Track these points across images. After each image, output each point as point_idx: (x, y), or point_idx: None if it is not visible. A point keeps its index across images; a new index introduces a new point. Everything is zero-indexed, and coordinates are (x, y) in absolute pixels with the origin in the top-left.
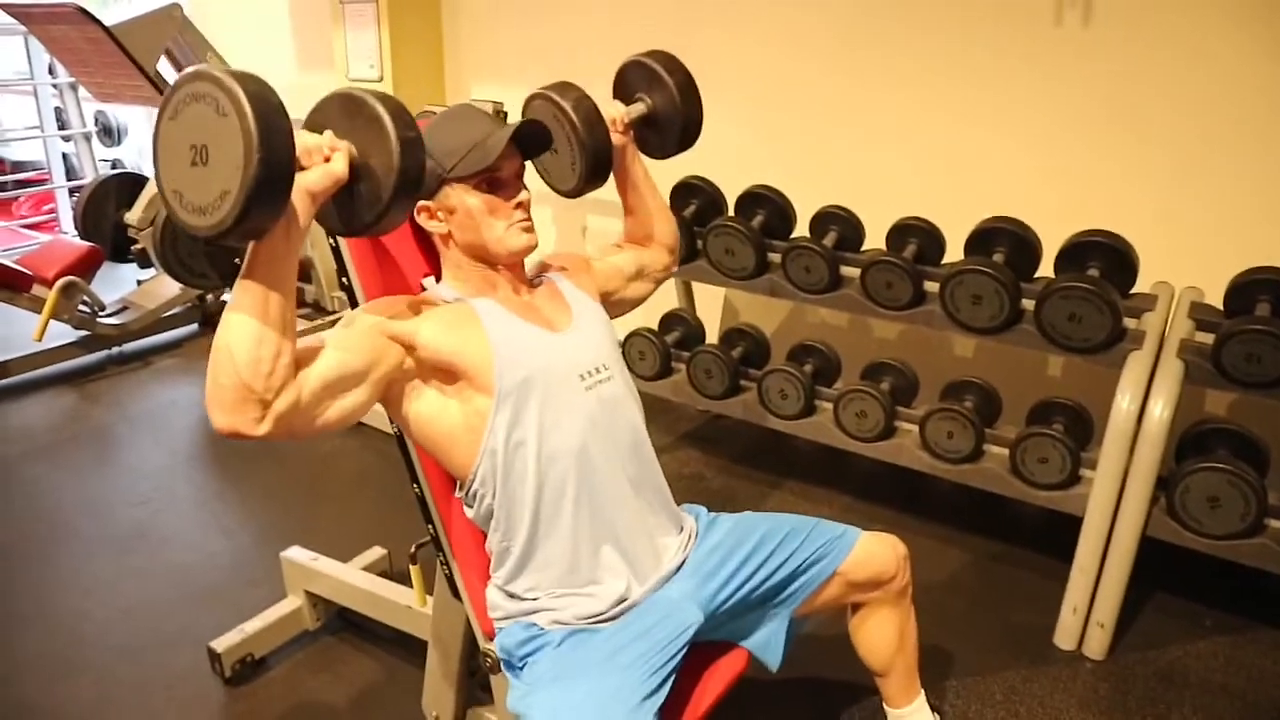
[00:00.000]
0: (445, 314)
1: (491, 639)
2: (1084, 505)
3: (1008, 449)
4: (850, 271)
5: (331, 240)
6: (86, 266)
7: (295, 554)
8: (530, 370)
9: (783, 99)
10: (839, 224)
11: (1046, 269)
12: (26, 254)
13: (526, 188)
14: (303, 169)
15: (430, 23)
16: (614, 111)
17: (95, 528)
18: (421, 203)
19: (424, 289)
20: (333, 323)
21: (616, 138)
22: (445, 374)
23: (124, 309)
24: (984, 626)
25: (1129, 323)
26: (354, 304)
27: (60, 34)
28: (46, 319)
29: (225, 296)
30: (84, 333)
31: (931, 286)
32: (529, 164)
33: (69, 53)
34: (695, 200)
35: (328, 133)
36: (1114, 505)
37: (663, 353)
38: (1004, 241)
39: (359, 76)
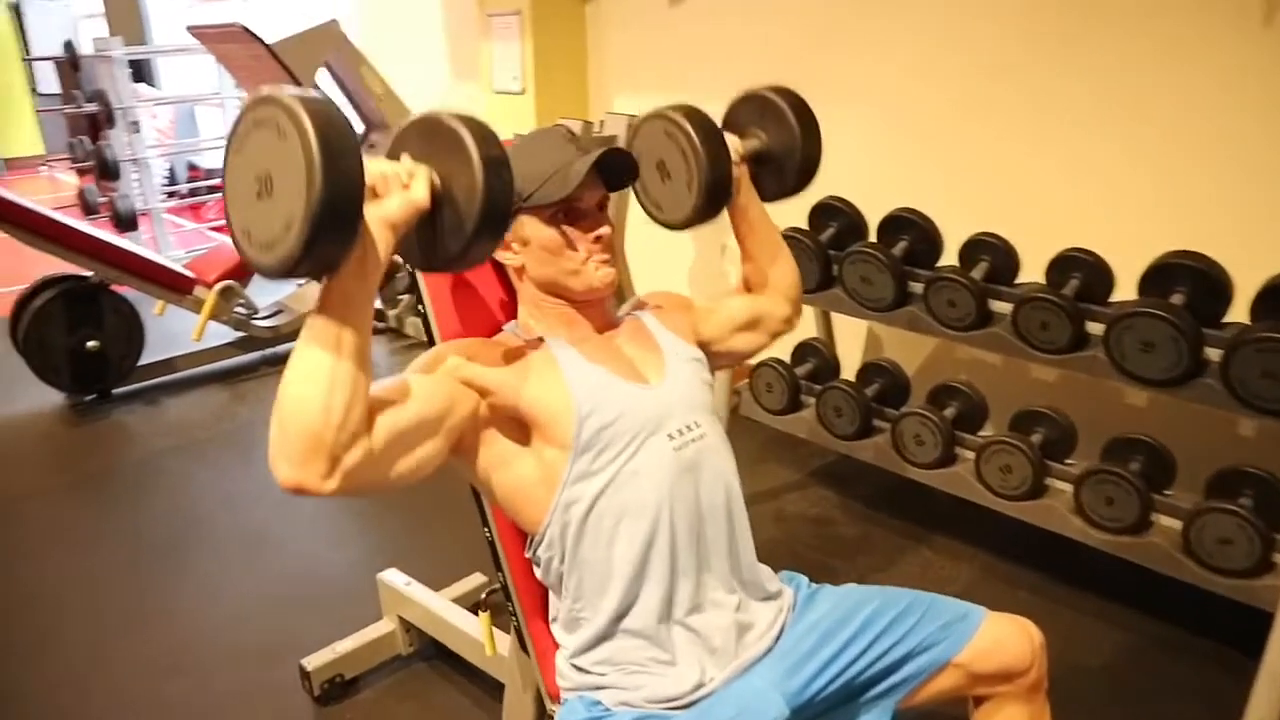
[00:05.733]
0: (521, 359)
1: (557, 700)
2: (1276, 600)
3: (1181, 523)
4: (1001, 307)
5: (408, 266)
6: (245, 271)
7: (390, 577)
8: (609, 422)
9: (934, 114)
10: (991, 253)
11: (1238, 314)
12: (197, 257)
13: (610, 221)
14: (377, 198)
15: (574, 36)
16: (730, 141)
17: (225, 526)
18: None
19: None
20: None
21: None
22: (519, 423)
23: (279, 312)
24: None
25: None
26: (429, 334)
27: (230, 51)
28: (205, 320)
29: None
30: (241, 334)
31: (1096, 328)
32: (636, 199)
33: (239, 68)
34: (834, 223)
35: (404, 157)
36: None
37: (792, 386)
38: (1186, 280)
39: (503, 89)
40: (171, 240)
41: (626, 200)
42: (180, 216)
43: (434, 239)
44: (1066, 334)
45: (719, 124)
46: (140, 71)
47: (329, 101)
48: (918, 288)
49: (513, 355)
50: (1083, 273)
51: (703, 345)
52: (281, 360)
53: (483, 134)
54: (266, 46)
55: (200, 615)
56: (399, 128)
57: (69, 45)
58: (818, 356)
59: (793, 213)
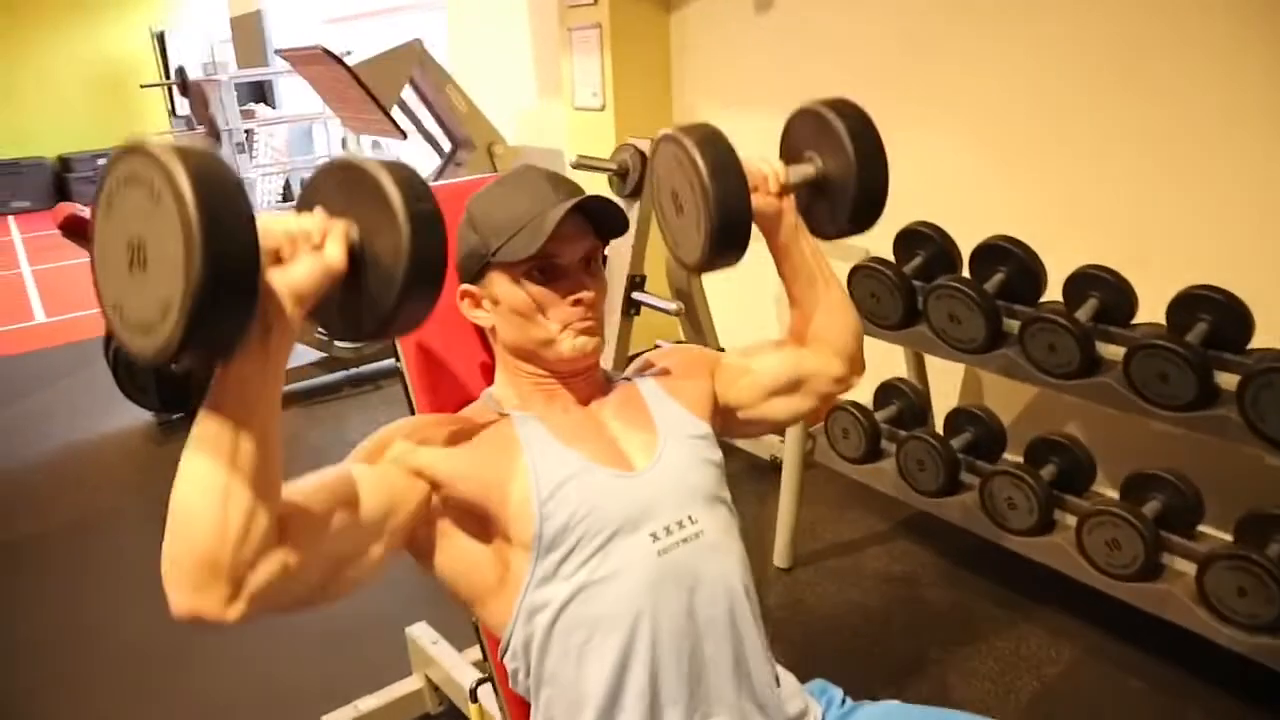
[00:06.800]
0: (480, 441)
1: None
2: None
3: None
4: (1112, 352)
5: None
6: None
7: (418, 632)
8: (576, 517)
9: (1039, 131)
10: (1102, 290)
11: None
12: None
13: (594, 282)
14: (282, 263)
15: (657, 48)
16: (766, 169)
17: None
18: (465, 287)
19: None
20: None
21: (767, 201)
22: (477, 517)
23: None
24: None
25: None
26: (406, 393)
27: (317, 73)
28: None
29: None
30: (323, 354)
31: (1228, 381)
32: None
33: (326, 90)
34: (921, 251)
35: (317, 210)
36: None
37: (871, 432)
38: None
39: (584, 105)
40: None
41: None
42: None
43: (354, 306)
44: (1191, 388)
45: (779, 143)
46: (262, 92)
47: (212, 156)
48: (1014, 327)
49: (472, 436)
50: (1213, 315)
51: (728, 411)
52: (365, 381)
53: (410, 184)
54: (347, 68)
55: (247, 652)
56: (314, 173)
57: (180, 71)
58: (903, 399)
59: (876, 239)
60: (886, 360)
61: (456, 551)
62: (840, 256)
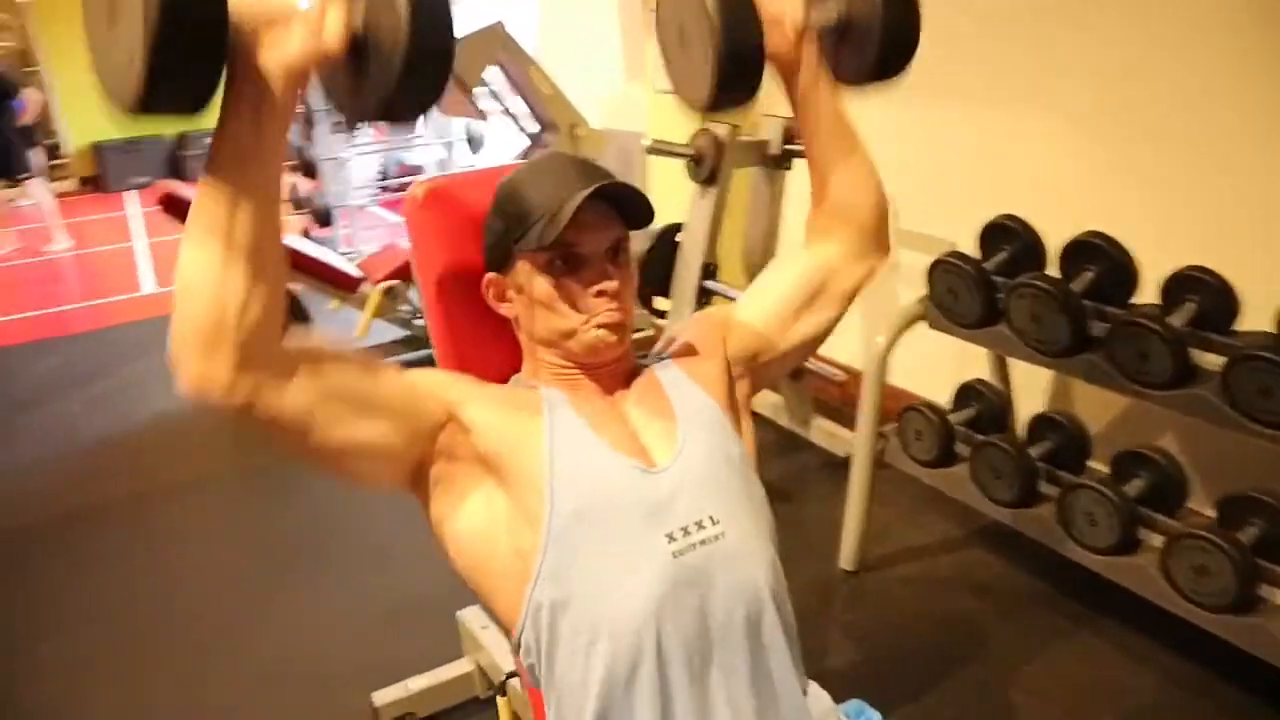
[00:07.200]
0: (506, 395)
1: None
2: None
3: None
4: (1211, 361)
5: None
6: (410, 272)
7: (468, 616)
8: (589, 506)
9: (1138, 118)
10: (1201, 293)
11: None
12: (370, 255)
13: (620, 273)
14: (275, 35)
15: None
16: (784, 5)
17: (353, 534)
18: (491, 276)
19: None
20: None
21: (785, 43)
22: (491, 472)
23: None
24: None
25: None
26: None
27: None
28: (369, 318)
29: None
30: (405, 333)
31: None
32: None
33: None
34: (1006, 247)
35: None
36: None
37: (944, 435)
38: None
39: (665, 88)
40: (365, 235)
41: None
42: (391, 210)
43: (356, 87)
44: None
45: None
46: None
47: None
48: (1102, 330)
49: (497, 390)
50: None
51: (758, 365)
52: None
53: None
54: None
55: (303, 624)
56: None
57: None
58: (982, 402)
59: (960, 234)
60: (970, 361)
61: (472, 518)
62: (922, 249)
